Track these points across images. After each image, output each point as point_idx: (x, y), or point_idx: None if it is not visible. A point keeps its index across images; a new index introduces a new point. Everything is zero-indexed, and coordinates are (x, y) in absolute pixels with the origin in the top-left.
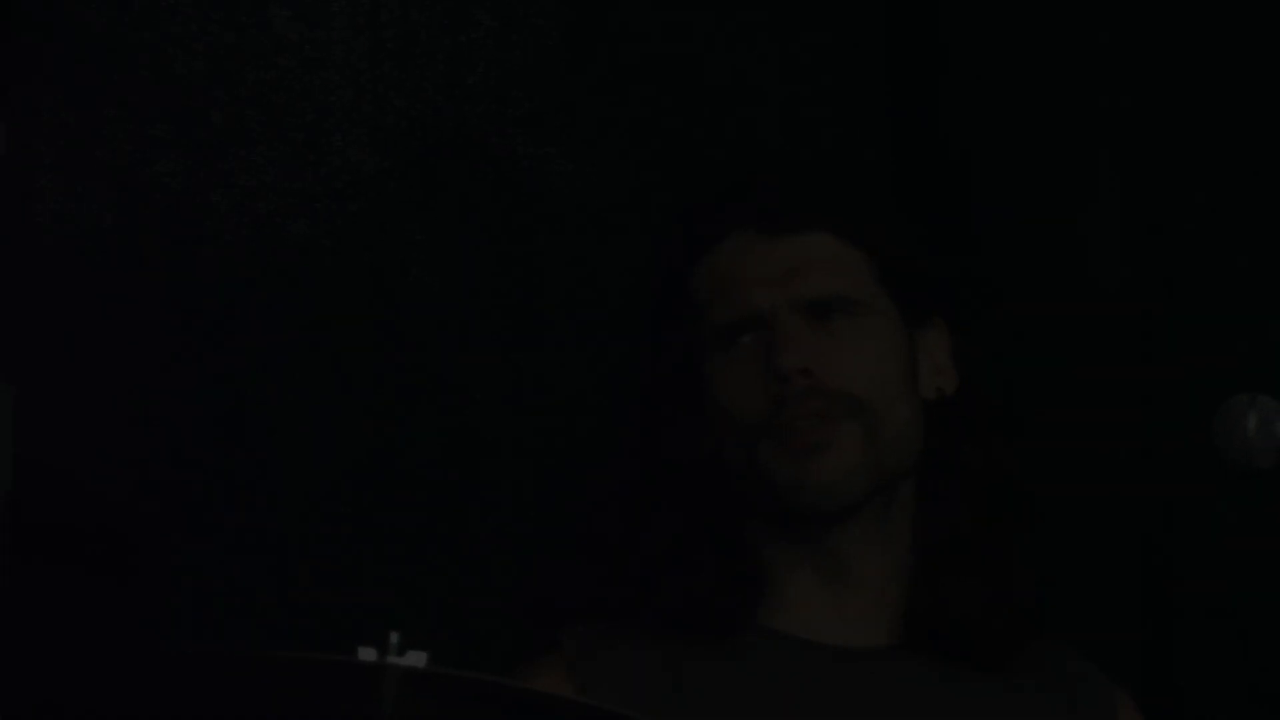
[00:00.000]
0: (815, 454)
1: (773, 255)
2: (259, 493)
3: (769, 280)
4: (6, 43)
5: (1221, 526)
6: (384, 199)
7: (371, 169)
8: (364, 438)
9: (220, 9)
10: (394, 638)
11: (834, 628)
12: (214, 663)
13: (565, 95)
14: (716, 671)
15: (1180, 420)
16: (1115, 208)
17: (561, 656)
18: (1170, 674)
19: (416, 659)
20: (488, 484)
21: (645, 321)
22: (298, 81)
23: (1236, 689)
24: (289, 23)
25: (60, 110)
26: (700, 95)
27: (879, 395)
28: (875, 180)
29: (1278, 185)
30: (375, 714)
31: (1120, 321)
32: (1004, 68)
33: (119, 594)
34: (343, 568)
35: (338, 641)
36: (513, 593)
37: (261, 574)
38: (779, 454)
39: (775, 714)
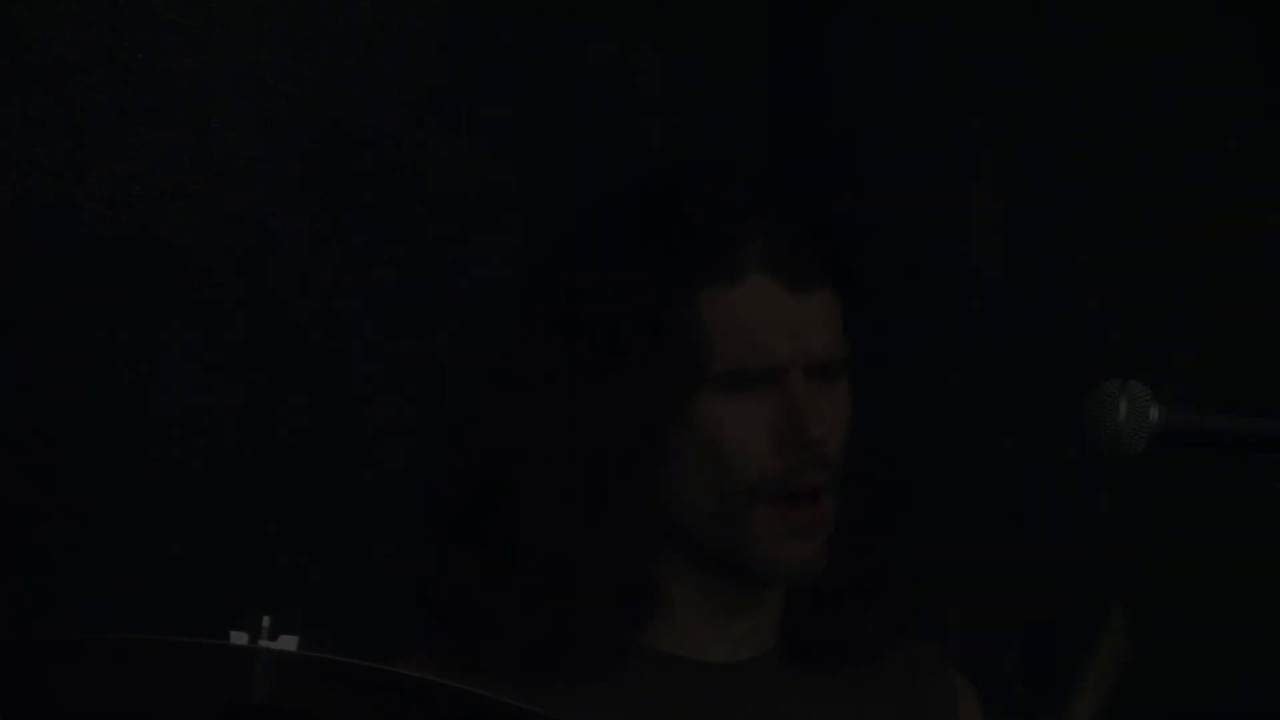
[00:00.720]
0: (808, 538)
1: (792, 310)
2: (136, 477)
3: (786, 335)
4: None
5: (1092, 510)
6: (263, 182)
7: (251, 152)
8: (242, 422)
9: None
10: (266, 622)
11: (711, 645)
12: (85, 648)
13: (446, 80)
14: (585, 685)
15: (1052, 405)
16: (995, 197)
17: (428, 656)
18: (1042, 656)
19: (288, 643)
20: (367, 469)
21: (596, 317)
22: (178, 63)
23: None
24: (170, 4)
25: None
26: (581, 81)
27: (843, 454)
28: (756, 168)
29: (1152, 177)
30: (247, 698)
31: (996, 307)
32: (888, 64)
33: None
34: (218, 552)
35: (212, 626)
36: (399, 583)
37: (138, 559)
38: (774, 521)
39: None
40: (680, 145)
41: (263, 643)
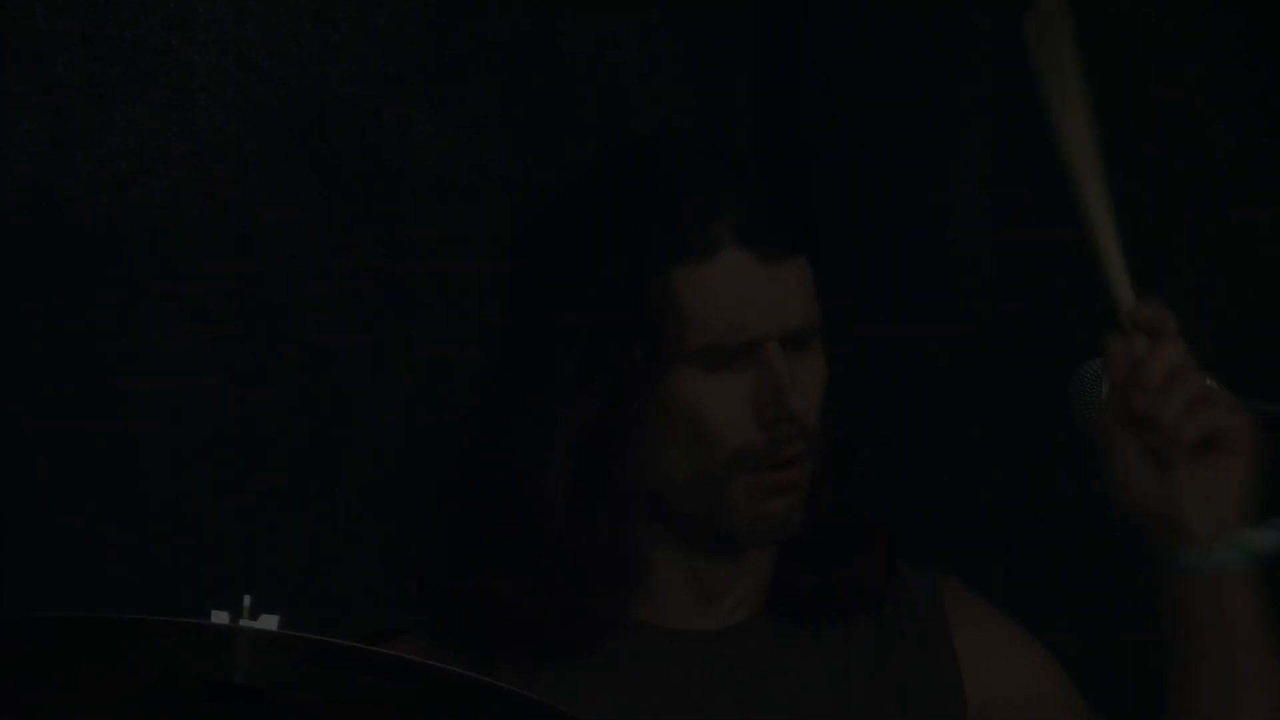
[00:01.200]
0: (782, 495)
1: (767, 282)
2: (116, 458)
3: (763, 309)
4: None
5: (1073, 491)
6: (247, 160)
7: (234, 131)
8: (224, 402)
9: None
10: (247, 601)
11: (699, 615)
12: (67, 626)
13: (429, 59)
14: (575, 661)
15: (1035, 385)
16: (980, 176)
17: (414, 640)
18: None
19: (269, 622)
20: (350, 448)
21: (571, 299)
22: (161, 40)
23: (1092, 652)
24: None
25: None
26: (563, 60)
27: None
28: (737, 146)
29: (1141, 155)
30: (227, 676)
31: (981, 287)
32: (871, 37)
33: None
34: (201, 534)
35: (195, 605)
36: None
37: (120, 540)
38: (753, 488)
39: (630, 704)
40: (664, 121)
41: (243, 622)
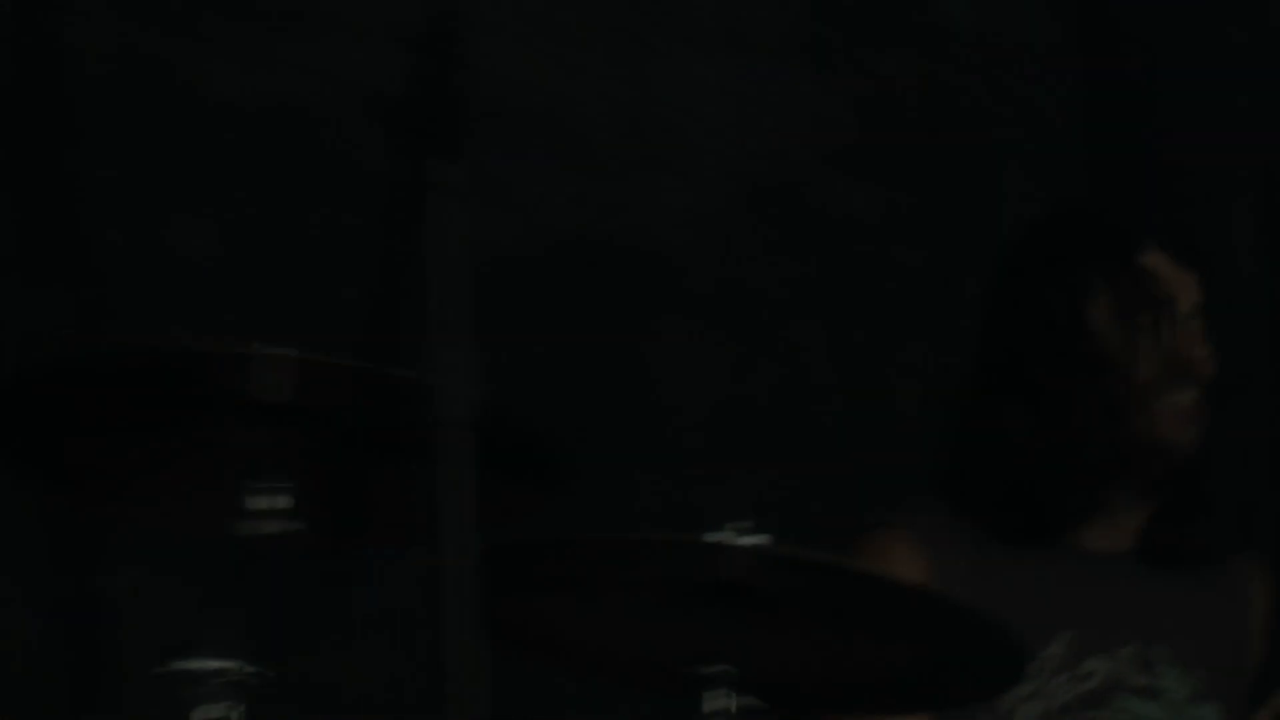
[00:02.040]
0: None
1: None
2: (644, 409)
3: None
4: None
5: None
6: (732, 214)
7: (717, 191)
8: (724, 381)
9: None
10: (743, 523)
11: (1095, 536)
12: (607, 543)
13: (854, 137)
14: (1026, 571)
15: None
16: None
17: (906, 533)
18: None
19: (760, 539)
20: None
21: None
22: (674, 122)
23: None
24: (667, 80)
25: None
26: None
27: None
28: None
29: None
30: (723, 578)
31: (1251, 303)
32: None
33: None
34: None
35: (713, 526)
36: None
37: (655, 477)
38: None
39: (1050, 598)
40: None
41: (735, 539)
